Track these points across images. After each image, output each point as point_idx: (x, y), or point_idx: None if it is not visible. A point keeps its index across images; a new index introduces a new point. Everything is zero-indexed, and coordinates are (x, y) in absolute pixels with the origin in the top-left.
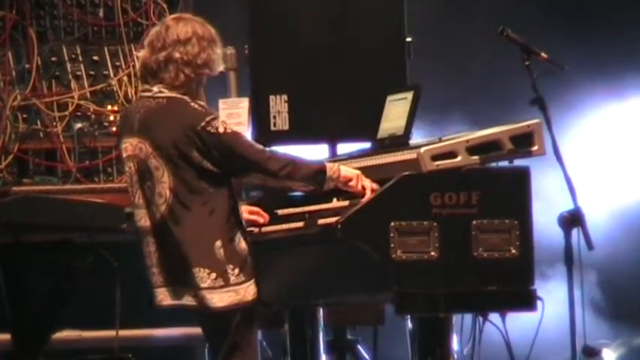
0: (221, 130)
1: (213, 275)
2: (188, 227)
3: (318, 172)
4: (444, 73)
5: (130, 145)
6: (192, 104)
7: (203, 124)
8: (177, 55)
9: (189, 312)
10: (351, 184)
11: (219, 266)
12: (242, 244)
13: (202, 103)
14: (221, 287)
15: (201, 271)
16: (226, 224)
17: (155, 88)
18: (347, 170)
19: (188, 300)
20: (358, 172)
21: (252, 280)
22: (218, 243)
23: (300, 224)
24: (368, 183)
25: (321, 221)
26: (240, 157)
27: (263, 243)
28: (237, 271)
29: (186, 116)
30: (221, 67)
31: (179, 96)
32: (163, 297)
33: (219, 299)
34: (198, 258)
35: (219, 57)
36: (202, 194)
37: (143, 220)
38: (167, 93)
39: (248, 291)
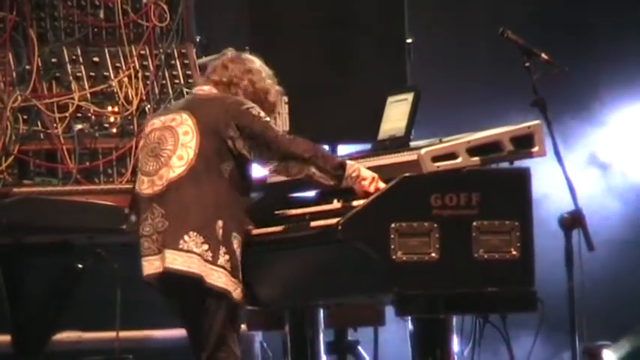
0: (261, 115)
1: (206, 246)
2: (200, 192)
3: (338, 166)
4: (445, 73)
5: (159, 121)
6: (241, 94)
7: (248, 106)
8: (244, 82)
9: (172, 277)
10: (364, 183)
11: (214, 242)
12: (235, 245)
13: None
14: (208, 261)
15: (197, 237)
16: (231, 214)
17: (206, 87)
18: (365, 170)
19: (172, 262)
20: (374, 174)
21: (237, 280)
22: (220, 222)
23: (301, 225)
24: (382, 185)
25: (322, 222)
26: (269, 141)
27: (263, 244)
28: (227, 257)
29: (232, 100)
30: (275, 110)
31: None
32: (158, 264)
33: (202, 270)
34: (199, 223)
35: (274, 95)
36: (221, 173)
37: (150, 187)
38: (219, 92)
39: (231, 283)
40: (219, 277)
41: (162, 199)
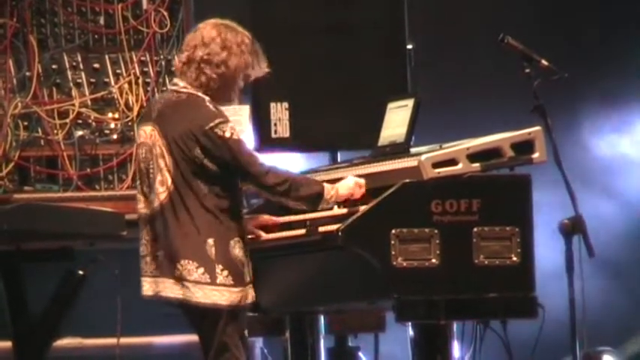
0: (227, 135)
1: (201, 270)
2: (183, 219)
3: (315, 195)
4: (445, 79)
5: (144, 133)
6: (208, 104)
7: (212, 124)
8: (199, 54)
9: (173, 305)
10: (350, 193)
11: (207, 263)
12: (236, 250)
13: (219, 107)
14: (207, 284)
15: (189, 264)
16: (221, 226)
17: (181, 83)
18: (344, 188)
19: (172, 292)
20: (356, 179)
21: (242, 288)
22: (210, 241)
23: (302, 232)
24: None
25: (322, 229)
26: (239, 166)
27: (264, 250)
28: (226, 272)
29: (198, 114)
30: (255, 72)
31: (200, 95)
32: (150, 287)
33: (203, 295)
34: (189, 251)
35: (247, 61)
36: (198, 192)
37: (144, 207)
38: (190, 90)
39: (235, 296)
40: (222, 296)
41: (153, 224)
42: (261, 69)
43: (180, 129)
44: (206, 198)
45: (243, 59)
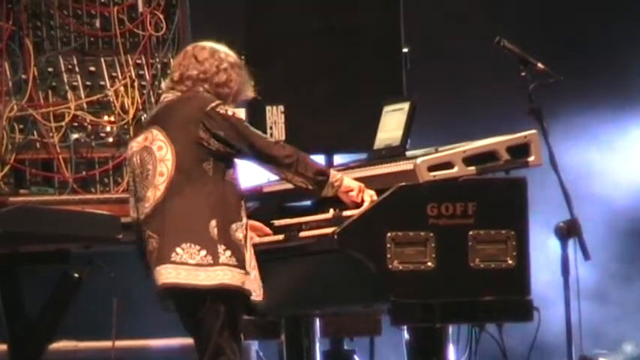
0: (230, 113)
1: (203, 252)
2: (185, 201)
3: (320, 173)
4: (441, 83)
5: (136, 143)
6: (205, 93)
7: (213, 105)
8: (194, 72)
9: (177, 291)
10: (351, 194)
11: (210, 244)
12: (238, 234)
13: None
14: (210, 265)
15: (191, 247)
16: (224, 208)
17: (170, 93)
18: (350, 181)
19: (173, 277)
20: (360, 184)
21: (244, 271)
22: (213, 222)
23: (291, 235)
24: (368, 197)
25: (302, 234)
26: (245, 140)
27: (259, 253)
28: (228, 252)
29: (196, 101)
30: (242, 97)
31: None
32: (158, 277)
33: (205, 277)
34: (191, 233)
35: (242, 81)
36: (202, 176)
37: (138, 212)
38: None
39: (237, 277)
40: (224, 275)
41: (151, 220)
42: (247, 95)
43: (180, 118)
44: (210, 181)
45: (239, 81)
